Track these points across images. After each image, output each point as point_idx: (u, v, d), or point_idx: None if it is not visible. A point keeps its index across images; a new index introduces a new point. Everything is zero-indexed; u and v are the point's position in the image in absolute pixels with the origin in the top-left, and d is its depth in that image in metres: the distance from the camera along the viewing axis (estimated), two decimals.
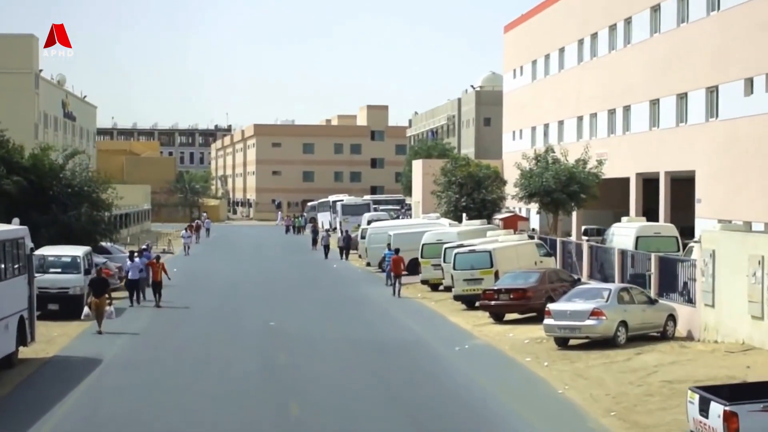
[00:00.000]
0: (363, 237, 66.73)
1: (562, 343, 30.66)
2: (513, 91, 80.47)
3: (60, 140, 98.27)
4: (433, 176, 70.37)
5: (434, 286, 48.69)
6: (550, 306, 31.25)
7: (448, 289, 44.75)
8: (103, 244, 53.89)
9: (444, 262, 44.96)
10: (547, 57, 71.68)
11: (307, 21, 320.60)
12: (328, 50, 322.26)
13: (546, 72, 72.06)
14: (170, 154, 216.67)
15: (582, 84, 64.87)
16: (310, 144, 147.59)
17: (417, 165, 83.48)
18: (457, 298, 41.98)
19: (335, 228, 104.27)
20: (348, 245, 70.06)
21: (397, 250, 50.23)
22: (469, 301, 41.56)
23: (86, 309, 35.45)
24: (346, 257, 69.44)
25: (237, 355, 30.09)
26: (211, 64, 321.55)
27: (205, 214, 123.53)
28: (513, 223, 58.81)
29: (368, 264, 61.85)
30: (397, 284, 47.52)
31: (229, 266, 63.79)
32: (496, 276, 40.40)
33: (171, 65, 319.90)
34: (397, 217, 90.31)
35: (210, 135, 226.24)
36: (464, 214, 66.36)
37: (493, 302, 37.01)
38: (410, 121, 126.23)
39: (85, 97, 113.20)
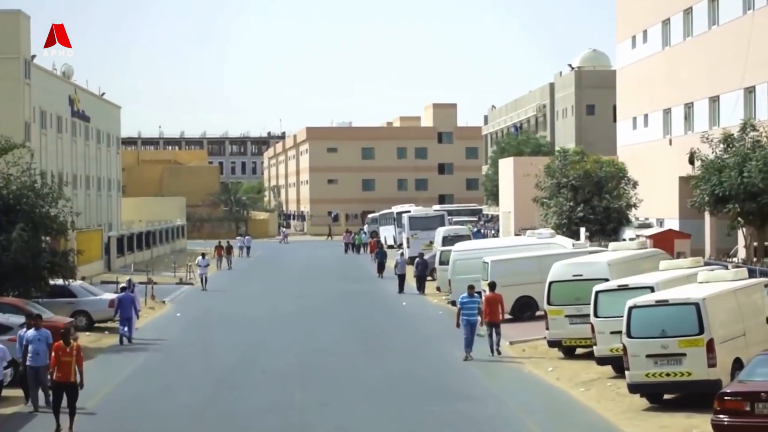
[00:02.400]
0: (443, 263, 48.38)
1: None
2: (631, 65, 61.44)
3: (66, 144, 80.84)
4: (535, 177, 51.88)
5: (568, 350, 30.19)
6: None
7: (592, 353, 26.69)
8: (66, 282, 36.24)
9: (596, 315, 26.31)
10: (687, 11, 52.62)
11: (360, 15, 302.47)
12: (385, 45, 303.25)
13: (688, 32, 52.93)
14: (220, 164, 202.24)
15: (750, 41, 45.73)
16: (369, 148, 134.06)
17: (506, 165, 64.73)
18: (636, 388, 23.22)
19: (400, 244, 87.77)
20: (423, 273, 51.37)
21: (492, 285, 32.38)
22: (656, 393, 23.05)
23: None
24: (420, 290, 50.80)
25: None
26: (261, 68, 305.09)
27: (243, 231, 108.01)
28: (667, 241, 39.84)
29: (452, 303, 43.20)
30: (494, 335, 30.88)
31: (254, 308, 45.62)
32: (710, 347, 21.89)
33: (220, 71, 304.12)
34: (479, 233, 71.81)
35: (263, 143, 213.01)
36: (582, 229, 47.88)
37: (745, 422, 18.20)
38: (486, 117, 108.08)
39: (103, 94, 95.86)
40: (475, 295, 31.03)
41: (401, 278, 51.55)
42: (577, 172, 50.14)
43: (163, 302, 48.04)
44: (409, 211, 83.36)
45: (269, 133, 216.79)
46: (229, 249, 70.28)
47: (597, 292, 26.38)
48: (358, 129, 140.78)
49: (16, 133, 67.86)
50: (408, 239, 73.74)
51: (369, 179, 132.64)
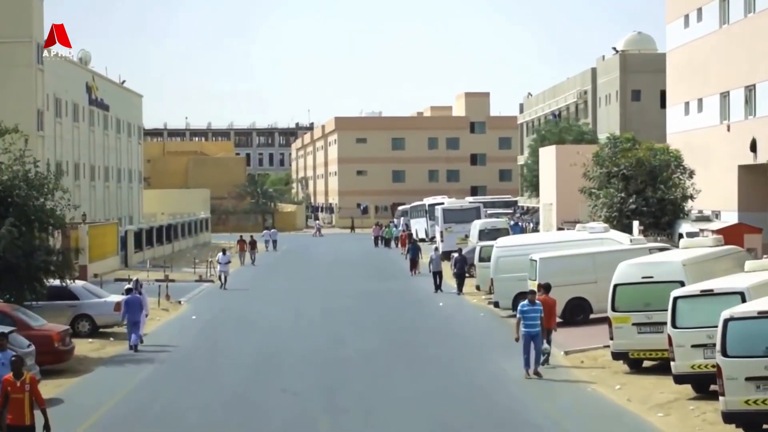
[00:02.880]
0: (483, 259, 44.36)
1: None
2: (684, 46, 56.97)
3: (83, 133, 77.26)
4: (582, 167, 47.73)
5: (635, 362, 26.11)
6: None
7: (664, 366, 22.73)
8: (68, 283, 32.60)
9: (674, 326, 22.22)
10: None
11: (390, 3, 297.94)
12: (415, 34, 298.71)
13: (749, 8, 48.48)
14: (247, 156, 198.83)
15: None
16: (399, 139, 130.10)
17: (547, 154, 60.54)
18: (732, 418, 19.09)
19: (432, 238, 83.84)
20: (463, 271, 47.23)
21: (547, 288, 28.21)
22: (757, 424, 18.99)
23: None
24: (460, 289, 46.66)
25: None
26: (289, 59, 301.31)
27: (269, 224, 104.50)
28: (736, 236, 35.55)
29: (495, 305, 39.16)
30: (544, 343, 26.79)
31: (276, 309, 41.63)
32: None
33: (248, 62, 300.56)
34: (517, 226, 67.70)
35: (291, 134, 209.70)
36: (635, 223, 43.69)
37: None
38: (521, 105, 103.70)
39: (123, 82, 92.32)
40: (537, 302, 26.64)
41: (437, 276, 47.47)
42: (628, 161, 45.96)
43: (179, 303, 44.23)
44: (442, 203, 79.38)
45: (297, 124, 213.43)
46: (253, 243, 66.34)
47: (675, 299, 22.35)
48: (387, 119, 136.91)
49: (28, 120, 64.39)
50: (442, 233, 69.71)
51: (399, 170, 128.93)
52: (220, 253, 51.10)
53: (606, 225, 39.88)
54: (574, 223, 55.10)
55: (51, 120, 69.12)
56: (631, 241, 35.68)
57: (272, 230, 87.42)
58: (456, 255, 47.52)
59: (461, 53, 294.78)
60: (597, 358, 28.00)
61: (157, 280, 53.31)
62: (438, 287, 47.02)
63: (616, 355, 26.12)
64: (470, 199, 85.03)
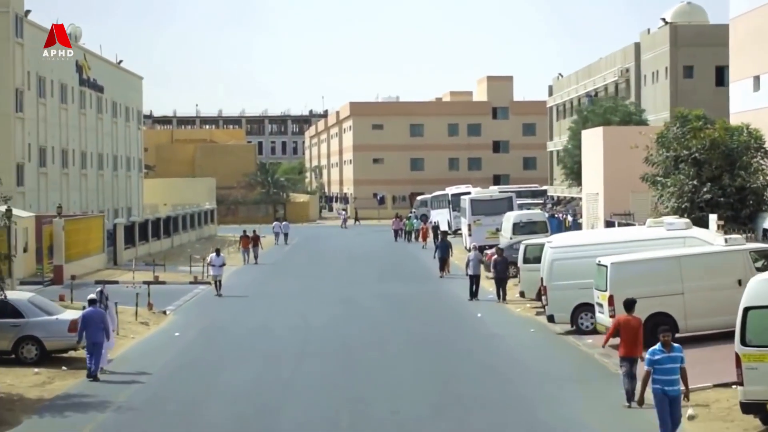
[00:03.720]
0: (528, 260, 36.96)
1: None
2: (750, 13, 49.18)
3: (72, 116, 69.92)
4: (646, 149, 40.15)
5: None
6: None
7: None
8: (9, 294, 25.44)
9: None
10: None
11: None
12: (433, 16, 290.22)
13: None
14: (259, 144, 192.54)
15: None
16: (418, 125, 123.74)
17: (592, 137, 52.86)
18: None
19: (455, 231, 76.72)
20: (506, 275, 39.50)
21: (630, 305, 21.38)
22: None
23: None
24: (503, 297, 39.07)
25: None
26: (303, 44, 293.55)
27: (281, 215, 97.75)
28: None
29: (549, 319, 31.59)
30: (631, 378, 20.29)
31: (279, 325, 33.98)
32: None
33: (260, 48, 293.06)
34: (554, 219, 60.29)
35: (304, 122, 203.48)
36: (713, 216, 36.28)
37: None
38: (550, 87, 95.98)
39: (120, 62, 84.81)
40: (675, 346, 18.12)
41: (474, 280, 39.80)
42: (700, 142, 38.42)
43: (164, 313, 36.85)
44: (468, 193, 71.96)
45: (311, 112, 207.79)
46: (256, 239, 58.65)
47: None
48: (405, 104, 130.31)
49: (4, 100, 57.44)
50: (470, 226, 62.29)
51: (417, 158, 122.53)
52: (213, 254, 42.82)
53: (687, 221, 32.30)
54: (625, 216, 47.83)
55: (33, 100, 61.88)
56: (726, 241, 28.13)
57: (283, 222, 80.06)
58: (496, 257, 39.54)
59: (482, 35, 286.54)
60: (710, 403, 20.57)
61: (145, 282, 46.22)
62: (474, 294, 39.45)
63: (748, 407, 18.59)
64: (495, 188, 77.37)
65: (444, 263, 47.75)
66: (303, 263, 58.36)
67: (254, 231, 60.89)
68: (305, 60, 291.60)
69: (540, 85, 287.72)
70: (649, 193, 41.12)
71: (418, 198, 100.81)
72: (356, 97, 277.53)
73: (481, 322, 33.82)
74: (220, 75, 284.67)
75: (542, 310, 34.87)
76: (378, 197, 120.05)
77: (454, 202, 79.45)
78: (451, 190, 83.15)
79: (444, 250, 47.72)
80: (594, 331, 29.56)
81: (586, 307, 30.27)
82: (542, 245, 36.01)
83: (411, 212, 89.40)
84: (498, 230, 59.17)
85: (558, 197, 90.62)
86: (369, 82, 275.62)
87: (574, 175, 61.03)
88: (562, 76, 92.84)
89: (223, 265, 41.73)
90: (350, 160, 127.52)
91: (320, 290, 43.71)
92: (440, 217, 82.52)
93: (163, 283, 46.59)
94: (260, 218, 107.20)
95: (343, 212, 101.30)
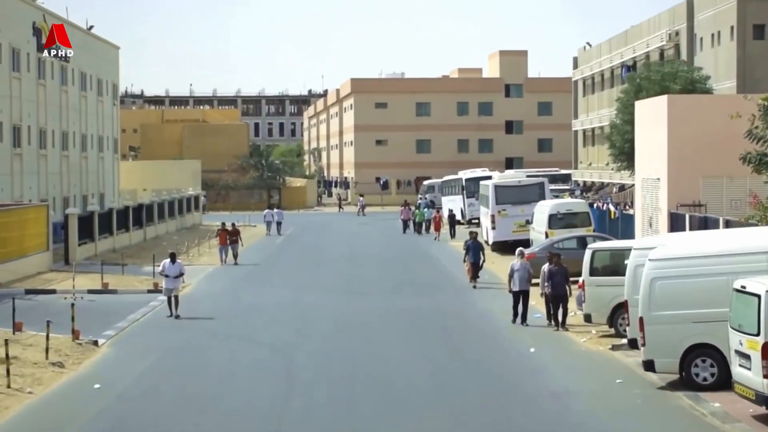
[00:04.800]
0: (596, 271, 26.90)
1: None
2: None
3: (27, 87, 59.68)
4: (749, 122, 29.98)
5: None
6: None
7: None
8: None
9: None
10: None
11: None
12: None
13: None
14: (256, 125, 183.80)
15: None
16: (424, 104, 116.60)
17: (651, 108, 42.53)
18: None
19: (469, 220, 69.47)
20: (564, 291, 28.44)
21: None
22: None
23: None
24: (563, 322, 28.21)
25: None
26: (301, 19, 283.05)
27: (275, 201, 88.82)
28: None
29: (646, 366, 21.21)
30: None
31: (250, 360, 23.63)
32: None
33: (257, 25, 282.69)
34: (593, 208, 50.37)
35: (303, 102, 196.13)
36: None
37: None
38: (575, 60, 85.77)
39: (91, 27, 74.48)
40: None
41: (520, 297, 29.09)
42: None
43: (95, 344, 26.52)
44: (488, 177, 61.97)
45: (310, 91, 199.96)
46: (235, 233, 48.03)
47: None
48: (411, 80, 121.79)
49: None
50: (494, 217, 52.33)
51: (424, 139, 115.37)
52: (166, 261, 31.40)
53: None
54: (695, 208, 37.96)
55: None
56: None
57: (276, 209, 70.10)
58: (552, 267, 28.66)
59: (493, 7, 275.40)
60: None
61: (90, 291, 36.47)
62: (523, 317, 28.91)
63: None
64: (521, 172, 67.38)
65: (477, 269, 37.22)
66: (292, 264, 48.06)
67: (233, 224, 50.47)
68: (304, 36, 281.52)
69: (556, 61, 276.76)
70: (735, 178, 31.12)
71: (425, 183, 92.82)
72: (358, 75, 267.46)
73: (538, 364, 23.63)
74: (216, 53, 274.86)
75: (619, 343, 25.01)
76: (381, 182, 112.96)
77: (469, 188, 69.92)
78: (465, 174, 73.66)
79: (477, 254, 37.15)
80: (714, 386, 19.82)
81: (703, 350, 20.31)
82: (620, 251, 26.24)
83: (421, 199, 79.52)
84: (528, 222, 49.55)
85: (585, 182, 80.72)
86: (372, 58, 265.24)
87: (624, 156, 50.85)
88: (590, 45, 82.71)
89: (180, 275, 31.03)
90: (351, 142, 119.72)
91: (311, 308, 33.34)
92: (452, 204, 72.94)
93: (114, 291, 36.61)
94: (253, 204, 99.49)
95: (361, 198, 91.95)
